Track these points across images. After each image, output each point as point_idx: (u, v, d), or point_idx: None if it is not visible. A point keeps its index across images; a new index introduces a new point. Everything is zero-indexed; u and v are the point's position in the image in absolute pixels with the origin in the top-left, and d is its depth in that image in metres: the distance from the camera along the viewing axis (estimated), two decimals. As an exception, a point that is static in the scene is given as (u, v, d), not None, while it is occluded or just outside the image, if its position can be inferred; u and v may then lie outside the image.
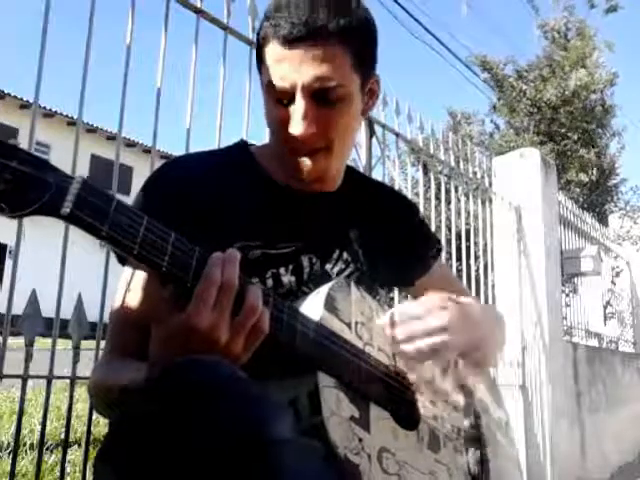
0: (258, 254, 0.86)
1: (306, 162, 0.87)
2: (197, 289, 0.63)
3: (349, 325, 0.81)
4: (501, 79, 9.96)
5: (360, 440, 0.73)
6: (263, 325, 0.66)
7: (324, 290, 0.80)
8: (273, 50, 0.82)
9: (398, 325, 0.84)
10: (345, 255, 0.94)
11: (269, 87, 0.84)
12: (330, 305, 0.78)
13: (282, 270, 0.87)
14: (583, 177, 9.00)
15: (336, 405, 0.72)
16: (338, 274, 0.92)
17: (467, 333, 0.87)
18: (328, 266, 0.92)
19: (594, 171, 9.24)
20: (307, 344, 0.73)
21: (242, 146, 0.98)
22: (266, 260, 0.86)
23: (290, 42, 0.80)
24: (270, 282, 0.86)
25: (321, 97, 0.82)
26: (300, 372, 0.73)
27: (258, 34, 0.88)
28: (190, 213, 0.83)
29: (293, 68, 0.80)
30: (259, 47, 0.87)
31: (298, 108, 0.82)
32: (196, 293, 0.63)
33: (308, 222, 0.92)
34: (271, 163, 0.94)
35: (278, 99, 0.84)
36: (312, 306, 0.78)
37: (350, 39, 0.82)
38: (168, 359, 0.63)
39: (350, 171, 1.03)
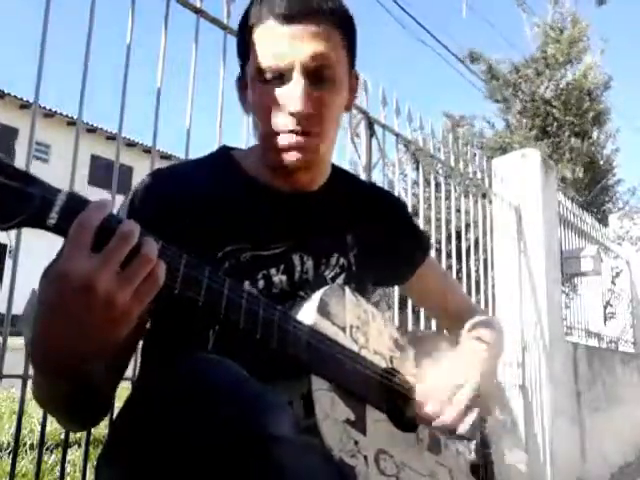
0: (248, 257, 0.85)
1: (297, 146, 0.84)
2: (70, 230, 0.56)
3: (344, 329, 0.80)
4: (496, 72, 9.98)
5: (356, 442, 0.73)
6: (158, 275, 0.59)
7: (317, 295, 0.79)
8: (267, 29, 0.81)
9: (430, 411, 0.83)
10: (342, 260, 0.94)
11: (259, 69, 0.82)
12: (323, 310, 0.78)
13: (273, 271, 0.86)
14: (578, 172, 9.01)
15: (330, 408, 0.72)
16: (333, 279, 0.92)
17: (488, 392, 0.91)
18: (326, 272, 0.92)
19: (588, 165, 9.25)
20: (300, 348, 0.72)
21: (224, 151, 0.97)
22: (256, 262, 0.86)
23: (288, 18, 0.80)
24: (262, 283, 0.85)
25: (315, 77, 0.81)
26: (293, 376, 0.72)
27: (243, 21, 0.87)
28: (176, 223, 0.82)
29: (290, 45, 0.80)
30: (244, 34, 0.86)
31: (297, 86, 0.80)
32: (69, 234, 0.56)
33: (296, 221, 0.91)
34: (256, 165, 0.93)
35: (271, 79, 0.82)
36: (305, 311, 0.78)
37: (341, 22, 0.84)
38: (43, 315, 0.60)
39: (334, 169, 1.02)
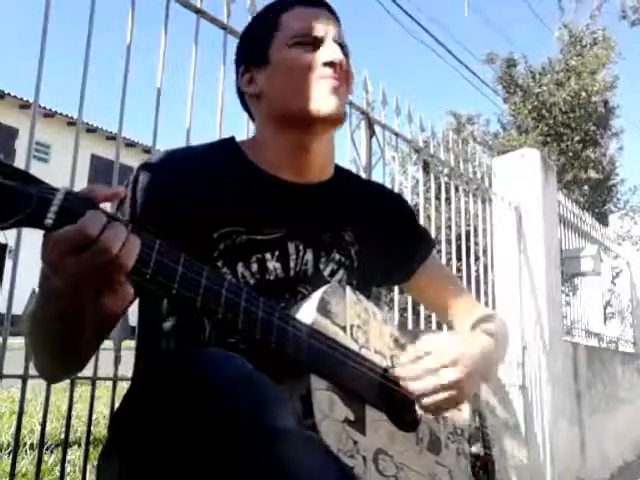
0: (243, 240, 0.87)
1: (336, 90, 0.90)
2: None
3: (344, 328, 0.80)
4: (516, 78, 10.00)
5: (355, 442, 0.73)
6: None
7: (317, 294, 0.79)
8: (297, 11, 0.94)
9: (413, 376, 0.82)
10: (339, 256, 0.94)
11: (294, 35, 0.92)
12: (323, 309, 0.78)
13: (268, 255, 0.88)
14: (592, 174, 9.03)
15: (329, 408, 0.72)
16: (331, 274, 0.92)
17: (478, 380, 0.87)
18: (325, 267, 0.92)
19: (599, 169, 9.28)
20: (299, 348, 0.72)
21: (229, 139, 1.01)
22: (251, 245, 0.87)
23: (313, 3, 0.95)
24: (255, 267, 0.87)
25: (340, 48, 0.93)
26: (293, 376, 0.72)
27: (270, 11, 0.97)
28: (176, 202, 0.85)
29: (322, 20, 0.94)
30: (271, 19, 0.95)
31: (332, 45, 0.91)
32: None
33: (295, 209, 0.93)
34: (259, 153, 0.95)
35: (305, 43, 0.91)
36: (305, 311, 0.78)
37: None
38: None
39: (337, 168, 1.05)
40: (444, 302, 1.16)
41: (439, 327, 2.36)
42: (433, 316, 2.43)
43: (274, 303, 0.74)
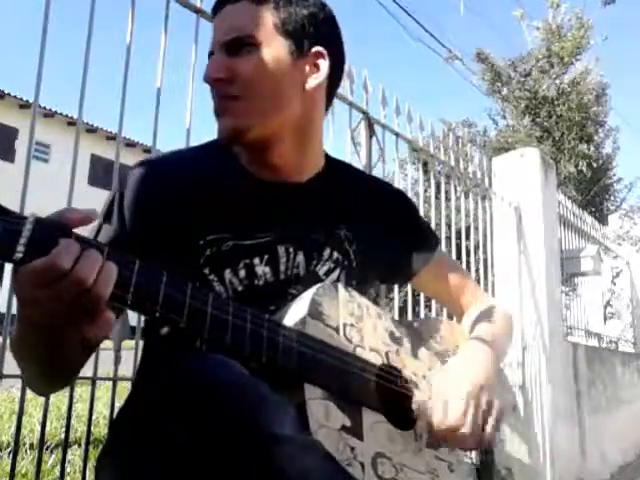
0: (230, 245, 0.85)
1: (223, 109, 0.87)
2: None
3: (337, 329, 0.79)
4: (499, 70, 9.98)
5: (352, 449, 0.72)
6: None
7: (308, 295, 0.78)
8: (214, 22, 0.91)
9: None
10: (335, 254, 0.92)
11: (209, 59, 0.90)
12: (315, 311, 0.77)
13: (256, 260, 0.86)
14: (582, 167, 9.02)
15: (325, 417, 0.71)
16: (327, 274, 0.91)
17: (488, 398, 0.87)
18: (318, 267, 0.90)
19: (592, 163, 9.27)
20: (290, 359, 0.71)
21: (215, 142, 0.98)
22: (238, 251, 0.86)
23: (217, 9, 0.90)
24: (243, 273, 0.85)
25: (233, 48, 0.86)
26: (286, 387, 0.71)
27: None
28: (162, 210, 0.85)
29: (216, 27, 0.89)
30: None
31: (211, 58, 0.88)
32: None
33: (281, 211, 0.90)
34: (243, 155, 0.94)
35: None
36: (295, 313, 0.76)
37: (276, 3, 0.87)
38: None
39: (330, 161, 1.01)
40: (450, 297, 1.14)
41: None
42: (432, 314, 2.42)
43: (263, 312, 0.72)
